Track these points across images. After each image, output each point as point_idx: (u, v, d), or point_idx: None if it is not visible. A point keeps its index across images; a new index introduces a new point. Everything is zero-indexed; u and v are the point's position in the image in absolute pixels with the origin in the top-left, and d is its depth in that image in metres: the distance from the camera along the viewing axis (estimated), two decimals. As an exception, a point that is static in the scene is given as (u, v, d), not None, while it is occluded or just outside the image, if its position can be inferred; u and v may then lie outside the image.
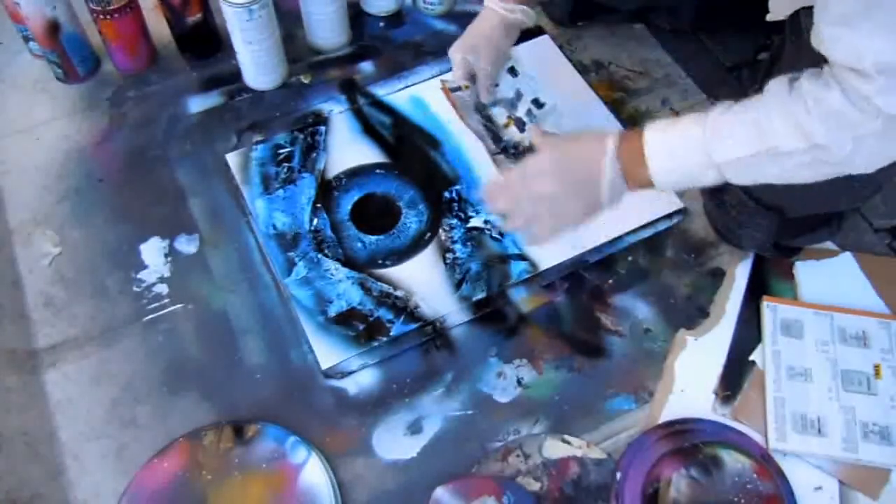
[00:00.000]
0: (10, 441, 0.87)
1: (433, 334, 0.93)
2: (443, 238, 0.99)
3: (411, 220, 1.00)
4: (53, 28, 1.08)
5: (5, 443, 0.87)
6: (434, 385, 0.90)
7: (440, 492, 0.82)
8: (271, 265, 0.97)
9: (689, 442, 0.84)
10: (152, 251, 1.00)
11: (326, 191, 1.03)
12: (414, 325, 0.92)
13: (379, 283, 0.95)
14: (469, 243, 0.98)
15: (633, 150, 0.77)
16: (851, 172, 0.71)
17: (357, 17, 1.22)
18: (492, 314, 0.94)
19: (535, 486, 0.83)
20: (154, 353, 0.92)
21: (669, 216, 1.01)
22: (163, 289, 0.97)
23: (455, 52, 0.97)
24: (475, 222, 0.99)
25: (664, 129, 0.77)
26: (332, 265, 0.96)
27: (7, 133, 1.11)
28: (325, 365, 0.89)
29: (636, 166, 0.77)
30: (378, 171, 1.05)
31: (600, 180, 0.78)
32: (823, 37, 0.66)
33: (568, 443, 0.85)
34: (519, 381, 0.90)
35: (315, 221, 1.00)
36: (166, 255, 0.99)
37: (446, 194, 1.02)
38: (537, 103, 1.07)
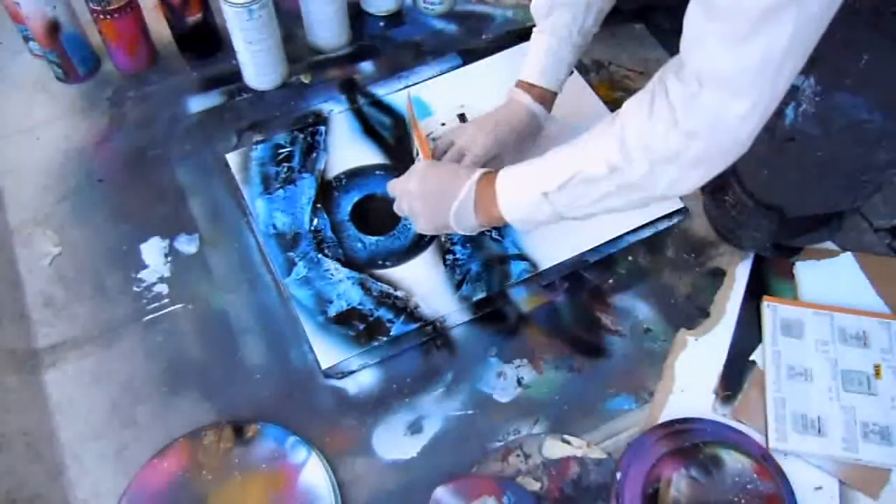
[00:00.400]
0: (10, 441, 0.87)
1: (433, 334, 0.93)
2: (443, 240, 0.98)
3: (411, 222, 1.00)
4: (53, 28, 1.08)
5: (5, 443, 0.87)
6: (434, 385, 0.90)
7: (440, 492, 0.82)
8: (271, 265, 0.97)
9: (689, 442, 0.84)
10: (152, 251, 1.00)
11: (326, 191, 1.03)
12: (414, 325, 0.92)
13: (379, 284, 0.95)
14: (469, 244, 0.98)
15: (490, 184, 0.82)
16: (657, 198, 0.73)
17: (357, 16, 1.22)
18: (492, 314, 0.94)
19: (535, 486, 0.83)
20: (154, 353, 0.92)
21: (669, 216, 1.01)
22: (163, 289, 0.97)
23: (483, 138, 0.94)
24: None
25: (518, 166, 0.81)
26: (332, 265, 0.96)
27: (7, 133, 1.11)
28: (325, 365, 0.89)
29: (490, 201, 0.82)
30: (378, 171, 1.05)
31: (453, 202, 0.83)
32: (686, 19, 0.64)
33: (568, 443, 0.85)
34: (519, 381, 0.90)
35: (315, 222, 1.00)
36: (166, 255, 0.99)
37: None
38: None
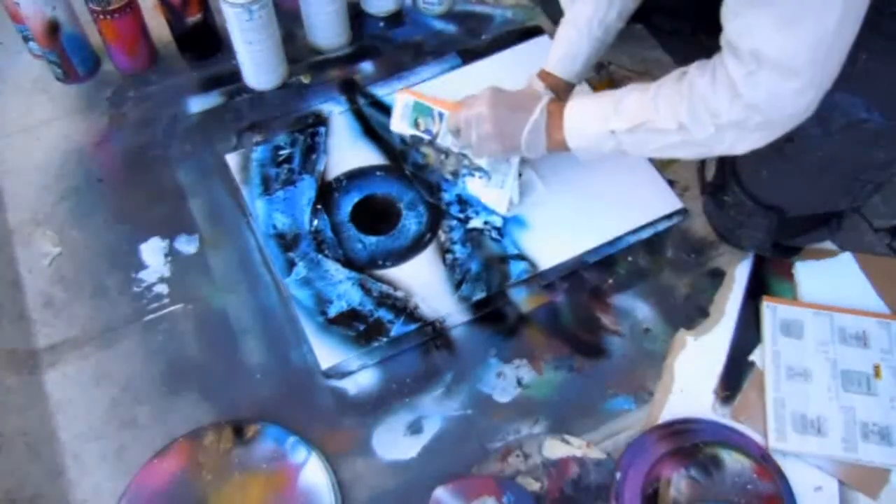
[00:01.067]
0: (10, 441, 0.87)
1: (433, 334, 0.93)
2: (442, 239, 0.99)
3: (411, 222, 1.00)
4: (53, 28, 1.08)
5: (5, 443, 0.87)
6: (434, 385, 0.90)
7: (440, 492, 0.82)
8: (271, 265, 0.97)
9: (689, 442, 0.84)
10: (152, 251, 1.00)
11: (326, 192, 1.03)
12: (414, 326, 0.92)
13: (379, 284, 0.95)
14: (468, 244, 0.98)
15: (558, 110, 0.86)
16: (717, 154, 0.81)
17: (357, 17, 1.22)
18: (492, 314, 0.94)
19: (535, 486, 0.83)
20: (154, 353, 0.92)
21: (669, 216, 1.01)
22: (163, 289, 0.97)
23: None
24: (475, 223, 0.99)
25: (586, 97, 0.86)
26: (332, 266, 0.96)
27: (7, 133, 1.11)
28: (325, 365, 0.89)
29: (556, 125, 0.87)
30: (378, 172, 1.05)
31: (526, 122, 0.87)
32: (727, 8, 0.68)
33: (568, 443, 0.85)
34: (519, 381, 0.90)
35: (315, 222, 1.00)
36: (166, 255, 0.99)
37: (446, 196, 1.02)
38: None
